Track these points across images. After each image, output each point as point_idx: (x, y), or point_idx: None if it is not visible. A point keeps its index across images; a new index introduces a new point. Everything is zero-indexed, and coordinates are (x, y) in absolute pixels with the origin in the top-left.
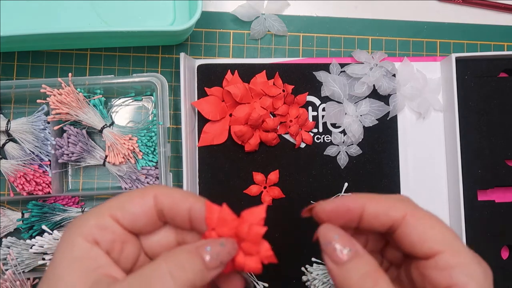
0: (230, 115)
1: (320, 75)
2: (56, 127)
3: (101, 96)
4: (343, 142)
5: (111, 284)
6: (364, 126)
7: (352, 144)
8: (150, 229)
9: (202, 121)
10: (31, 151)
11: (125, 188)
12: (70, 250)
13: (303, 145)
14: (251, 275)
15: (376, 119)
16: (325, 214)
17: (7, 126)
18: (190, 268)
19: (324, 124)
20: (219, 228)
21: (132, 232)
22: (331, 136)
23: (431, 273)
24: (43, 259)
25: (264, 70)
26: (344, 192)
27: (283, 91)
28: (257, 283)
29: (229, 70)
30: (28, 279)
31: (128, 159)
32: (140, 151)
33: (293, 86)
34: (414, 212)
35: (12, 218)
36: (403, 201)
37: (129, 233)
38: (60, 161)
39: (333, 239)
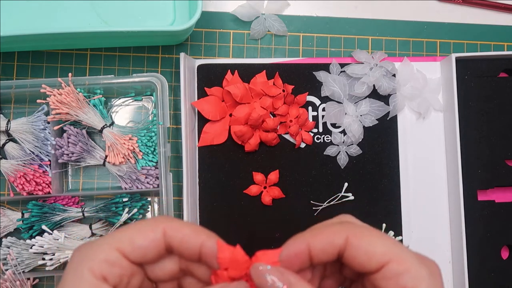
0: (230, 115)
1: (320, 75)
2: (56, 127)
3: (101, 96)
4: (343, 142)
5: None
6: (364, 126)
7: (352, 144)
8: (157, 260)
9: (202, 121)
10: (31, 151)
11: (125, 188)
12: (79, 284)
13: (303, 145)
14: None
15: (376, 119)
16: (281, 264)
17: (7, 126)
18: None
19: (324, 124)
20: (231, 270)
21: (137, 263)
22: (331, 136)
23: (382, 283)
24: (43, 259)
25: (264, 70)
26: (344, 192)
27: (283, 91)
28: None
29: (229, 70)
30: (28, 279)
31: (128, 159)
32: (140, 151)
33: (293, 86)
34: (355, 233)
35: (12, 218)
36: (342, 225)
37: (136, 265)
38: (60, 161)
39: (265, 277)
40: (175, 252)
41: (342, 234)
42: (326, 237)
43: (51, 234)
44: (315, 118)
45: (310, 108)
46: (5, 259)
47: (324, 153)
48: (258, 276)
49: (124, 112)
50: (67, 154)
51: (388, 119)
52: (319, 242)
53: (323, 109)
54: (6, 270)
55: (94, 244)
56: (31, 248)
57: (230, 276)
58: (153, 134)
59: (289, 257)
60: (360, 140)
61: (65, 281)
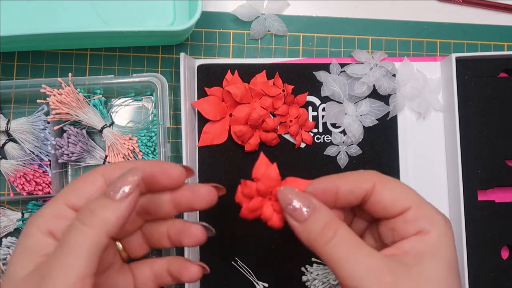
0: (230, 115)
1: (320, 75)
2: (56, 127)
3: (101, 96)
4: (343, 142)
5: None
6: (364, 126)
7: (352, 144)
8: None
9: (202, 121)
10: (31, 151)
11: None
12: (24, 240)
13: (303, 145)
14: (251, 274)
15: (376, 119)
16: (311, 191)
17: (7, 126)
18: (98, 208)
19: (324, 124)
20: (261, 183)
21: None
22: (331, 136)
23: (401, 226)
24: None
25: (264, 70)
26: None
27: (283, 91)
28: (257, 283)
29: (229, 70)
30: None
31: (128, 159)
32: (140, 151)
33: (293, 86)
34: (381, 180)
35: (12, 218)
36: (370, 172)
37: None
38: (60, 161)
39: (292, 200)
40: None
41: (370, 180)
42: (354, 180)
43: None
44: (315, 118)
45: (310, 108)
46: (5, 259)
47: (324, 153)
48: (284, 196)
49: (124, 112)
50: (67, 154)
51: (388, 119)
52: (347, 184)
53: (323, 109)
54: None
55: (44, 204)
56: None
57: (258, 188)
58: (153, 134)
59: (316, 191)
60: (360, 140)
61: (17, 243)
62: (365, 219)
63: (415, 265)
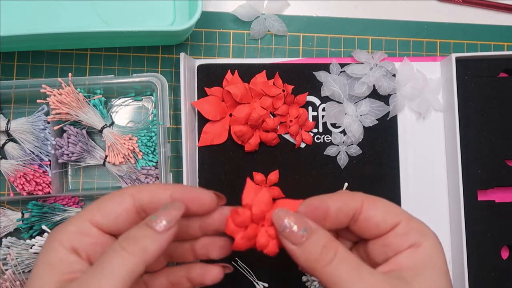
0: (230, 115)
1: (320, 75)
2: (56, 127)
3: (101, 96)
4: (343, 142)
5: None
6: (364, 126)
7: (352, 144)
8: (129, 227)
9: (202, 121)
10: (31, 151)
11: None
12: (47, 255)
13: (303, 145)
14: (251, 274)
15: (376, 119)
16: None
17: (7, 126)
18: (140, 236)
19: (324, 124)
20: (254, 208)
21: (112, 233)
22: (331, 136)
23: (393, 241)
24: None
25: (264, 70)
26: None
27: (283, 91)
28: (257, 283)
29: (229, 70)
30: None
31: (128, 159)
32: (140, 151)
33: (293, 86)
34: (369, 198)
35: (12, 218)
36: (356, 193)
37: (109, 235)
38: (60, 161)
39: (288, 223)
40: (148, 212)
41: (358, 199)
42: (343, 199)
43: None
44: (315, 118)
45: (310, 108)
46: (5, 259)
47: (324, 153)
48: (280, 220)
49: (124, 112)
50: (67, 154)
51: (388, 119)
52: (337, 202)
53: (323, 109)
54: (6, 270)
55: (67, 220)
56: (31, 248)
57: (254, 214)
58: (153, 134)
59: (307, 209)
60: (360, 140)
61: (39, 255)
62: (349, 239)
63: (414, 279)
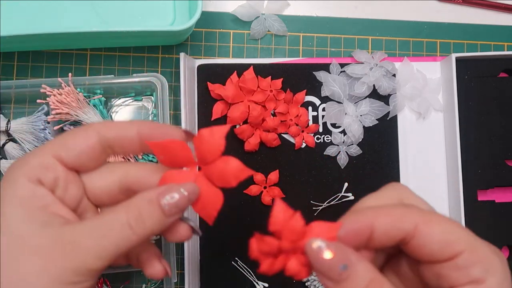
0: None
1: (320, 75)
2: (56, 127)
3: (101, 96)
4: (343, 142)
5: (64, 224)
6: (364, 126)
7: (352, 144)
8: (94, 165)
9: (204, 121)
10: (31, 151)
11: None
12: (14, 190)
13: (303, 145)
14: (251, 274)
15: (376, 119)
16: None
17: (7, 126)
18: (149, 218)
19: (324, 124)
20: (285, 236)
21: (75, 169)
22: (331, 136)
23: (450, 273)
24: None
25: (251, 67)
26: (344, 192)
27: (271, 91)
28: (257, 283)
29: (235, 72)
30: None
31: (128, 159)
32: None
33: (282, 79)
34: (426, 219)
35: None
36: (409, 209)
37: (73, 171)
38: None
39: (326, 257)
40: (114, 149)
41: (411, 220)
42: (392, 220)
43: None
44: (315, 118)
45: (310, 108)
46: None
47: (324, 153)
48: (316, 254)
49: (124, 112)
50: None
51: (388, 119)
52: (384, 224)
53: (323, 109)
54: None
55: (28, 153)
56: None
57: (282, 247)
58: None
59: (348, 235)
60: (360, 140)
61: (2, 195)
62: (386, 251)
63: None
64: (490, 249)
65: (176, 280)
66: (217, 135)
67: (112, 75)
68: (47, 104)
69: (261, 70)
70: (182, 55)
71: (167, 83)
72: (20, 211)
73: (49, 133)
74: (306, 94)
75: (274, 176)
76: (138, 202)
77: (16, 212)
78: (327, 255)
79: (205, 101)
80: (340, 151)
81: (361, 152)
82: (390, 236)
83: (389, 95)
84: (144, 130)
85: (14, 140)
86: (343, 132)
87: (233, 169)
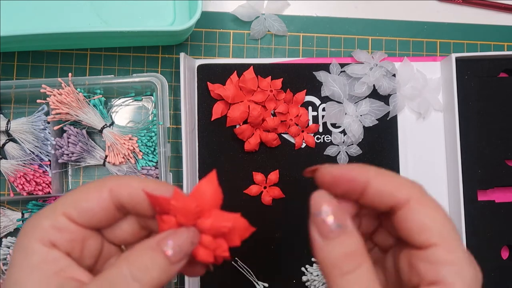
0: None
1: (320, 75)
2: (56, 127)
3: (101, 96)
4: (343, 142)
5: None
6: (364, 126)
7: (352, 144)
8: (110, 223)
9: (204, 120)
10: (31, 151)
11: None
12: (27, 257)
13: (303, 145)
14: (251, 274)
15: (376, 119)
16: (329, 177)
17: (7, 126)
18: (153, 267)
19: (324, 124)
20: (180, 216)
21: (91, 228)
22: (331, 136)
23: (420, 264)
24: None
25: (251, 66)
26: None
27: (271, 91)
28: (257, 283)
29: (235, 71)
30: None
31: (128, 159)
32: (140, 151)
33: (282, 79)
34: (420, 198)
35: (12, 218)
36: (412, 185)
37: (88, 229)
38: (60, 161)
39: (324, 211)
40: (128, 210)
41: (406, 192)
42: (389, 184)
43: None
44: (315, 118)
45: (310, 108)
46: (5, 259)
47: (324, 153)
48: (317, 204)
49: (124, 112)
50: (67, 154)
51: (388, 119)
52: (380, 184)
53: (323, 109)
54: (6, 270)
55: (37, 214)
56: None
57: (178, 222)
58: (153, 134)
59: (344, 177)
60: (360, 140)
61: (14, 257)
62: (374, 216)
63: None
64: (468, 259)
65: (176, 280)
66: (210, 185)
67: (112, 75)
68: (47, 104)
69: (261, 70)
70: (182, 55)
71: (167, 83)
72: (35, 278)
73: (49, 133)
74: (306, 94)
75: (274, 176)
76: (139, 251)
77: (31, 279)
78: (329, 209)
79: (205, 101)
80: (340, 151)
81: (361, 152)
82: (382, 198)
83: (389, 95)
84: (148, 188)
85: (14, 140)
86: (343, 132)
87: (239, 228)
